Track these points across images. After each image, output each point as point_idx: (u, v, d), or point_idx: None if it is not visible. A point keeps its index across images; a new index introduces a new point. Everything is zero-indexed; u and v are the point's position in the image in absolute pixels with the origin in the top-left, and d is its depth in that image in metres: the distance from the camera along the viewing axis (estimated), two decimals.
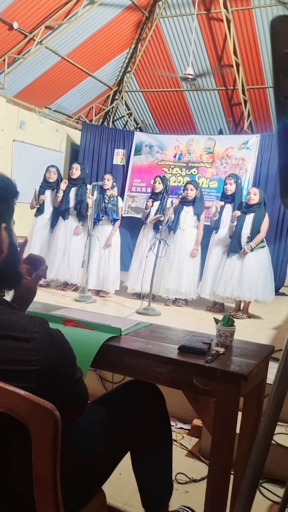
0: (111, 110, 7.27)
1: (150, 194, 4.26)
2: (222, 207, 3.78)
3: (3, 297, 0.79)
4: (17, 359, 0.67)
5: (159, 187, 3.96)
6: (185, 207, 3.89)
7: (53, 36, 5.41)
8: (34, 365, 0.67)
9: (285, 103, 0.46)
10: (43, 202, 4.19)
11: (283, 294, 5.00)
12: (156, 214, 3.91)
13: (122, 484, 1.38)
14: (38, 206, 4.17)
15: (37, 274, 0.96)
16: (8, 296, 0.97)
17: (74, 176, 4.09)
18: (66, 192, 4.09)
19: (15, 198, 0.79)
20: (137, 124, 7.35)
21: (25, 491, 0.72)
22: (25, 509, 0.74)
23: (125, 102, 7.14)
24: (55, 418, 0.66)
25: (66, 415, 0.70)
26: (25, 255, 0.95)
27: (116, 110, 7.30)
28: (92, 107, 7.03)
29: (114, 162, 6.30)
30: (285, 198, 0.55)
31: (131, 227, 5.71)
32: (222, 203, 3.75)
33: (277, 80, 0.47)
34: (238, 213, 3.59)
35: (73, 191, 4.10)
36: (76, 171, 4.09)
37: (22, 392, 0.65)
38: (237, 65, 5.87)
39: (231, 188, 3.76)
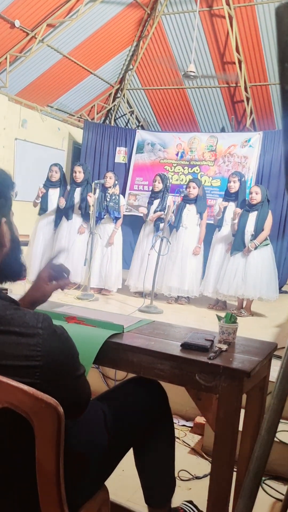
0: (113, 108, 7.26)
1: (150, 193, 4.26)
2: (225, 206, 3.78)
3: (7, 294, 0.79)
4: (21, 354, 0.67)
5: (159, 186, 3.95)
6: (187, 205, 3.88)
7: (55, 34, 5.40)
8: (38, 361, 0.67)
9: None
10: (47, 200, 4.19)
11: (286, 292, 4.99)
12: (156, 212, 3.91)
13: (125, 480, 1.38)
14: (39, 201, 4.17)
15: (58, 284, 0.99)
16: (12, 293, 0.98)
17: (78, 180, 4.10)
18: (71, 193, 4.10)
19: (11, 190, 0.78)
20: (139, 122, 7.34)
21: (29, 486, 0.72)
22: (29, 505, 0.75)
23: (127, 100, 7.13)
24: (58, 414, 0.66)
25: (69, 411, 0.70)
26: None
27: (118, 108, 7.28)
28: (94, 105, 7.02)
29: (116, 160, 6.29)
30: None
31: (133, 225, 5.71)
32: (226, 203, 3.74)
33: (282, 68, 0.46)
34: (238, 210, 3.58)
35: (77, 191, 4.11)
36: (80, 175, 4.10)
37: (25, 387, 0.65)
38: (240, 62, 5.84)
39: (234, 186, 3.75)
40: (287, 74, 0.46)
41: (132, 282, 3.98)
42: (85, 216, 4.03)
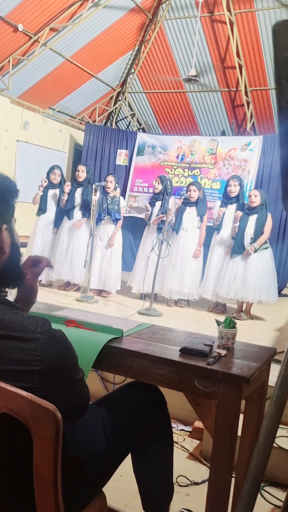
0: (114, 111, 7.29)
1: (152, 194, 4.27)
2: (224, 212, 3.78)
3: (6, 297, 0.79)
4: (19, 359, 0.67)
5: (159, 187, 3.97)
6: (188, 208, 3.89)
7: (58, 38, 5.43)
8: (36, 365, 0.67)
9: (287, 107, 0.46)
10: (46, 201, 4.20)
11: (285, 295, 4.98)
12: (158, 214, 3.91)
13: (122, 486, 1.38)
14: (42, 194, 4.17)
15: (35, 271, 0.98)
16: (11, 296, 0.98)
17: (81, 179, 4.10)
18: (72, 193, 4.10)
19: (15, 197, 0.79)
20: (140, 124, 7.37)
21: (26, 492, 0.72)
22: (26, 510, 0.74)
23: (128, 103, 7.16)
24: (56, 419, 0.66)
25: (68, 415, 0.70)
26: (26, 255, 0.97)
27: (119, 111, 7.31)
28: (96, 108, 7.05)
29: (117, 163, 6.31)
30: (287, 202, 0.55)
31: (133, 227, 5.71)
32: (224, 209, 3.75)
33: (280, 84, 0.47)
34: (240, 213, 3.58)
35: (78, 191, 4.11)
36: (82, 174, 4.10)
37: (24, 393, 0.65)
38: (240, 67, 5.87)
39: (235, 190, 3.76)
40: (285, 91, 0.47)
41: (135, 284, 3.98)
42: (85, 212, 4.04)
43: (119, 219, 4.03)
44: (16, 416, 0.66)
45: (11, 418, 0.67)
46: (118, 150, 6.29)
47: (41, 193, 4.15)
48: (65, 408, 0.68)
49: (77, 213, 4.10)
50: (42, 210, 4.22)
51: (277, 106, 0.48)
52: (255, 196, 3.56)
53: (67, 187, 4.11)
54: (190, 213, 3.88)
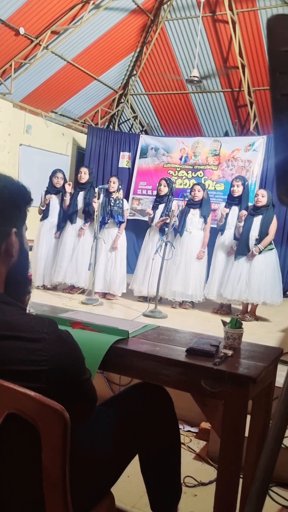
0: (116, 113, 7.31)
1: (155, 197, 4.28)
2: (227, 213, 3.78)
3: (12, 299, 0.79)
4: (27, 359, 0.68)
5: (164, 190, 3.96)
6: (191, 209, 3.89)
7: (59, 40, 5.46)
8: (44, 366, 0.68)
9: (281, 100, 0.46)
10: (49, 205, 4.21)
11: None
12: (161, 217, 3.91)
13: (130, 486, 1.38)
14: (44, 208, 4.20)
15: None
16: None
17: (83, 181, 4.11)
18: (74, 196, 4.11)
19: (28, 205, 0.80)
20: (142, 127, 7.38)
21: (34, 492, 0.72)
22: (35, 510, 0.74)
23: (131, 105, 7.18)
24: (64, 419, 0.66)
25: (75, 416, 0.70)
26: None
27: (121, 113, 7.34)
28: (98, 110, 7.08)
29: (119, 165, 6.32)
30: (281, 195, 0.55)
31: (137, 229, 5.72)
32: (228, 210, 3.74)
33: (274, 77, 0.47)
34: (245, 212, 3.57)
35: (81, 195, 4.12)
36: (85, 176, 4.11)
37: (31, 393, 0.65)
38: (243, 66, 5.87)
39: (238, 190, 3.75)
40: (279, 83, 0.47)
41: (136, 287, 3.98)
42: (87, 216, 4.04)
43: (123, 222, 4.03)
44: (24, 416, 0.67)
45: (19, 418, 0.67)
46: (121, 153, 6.30)
47: (44, 208, 4.17)
48: (72, 408, 0.69)
49: (80, 217, 4.12)
50: (44, 215, 4.24)
51: (271, 99, 0.48)
52: (262, 196, 3.54)
53: (68, 187, 4.09)
54: (194, 215, 3.88)
